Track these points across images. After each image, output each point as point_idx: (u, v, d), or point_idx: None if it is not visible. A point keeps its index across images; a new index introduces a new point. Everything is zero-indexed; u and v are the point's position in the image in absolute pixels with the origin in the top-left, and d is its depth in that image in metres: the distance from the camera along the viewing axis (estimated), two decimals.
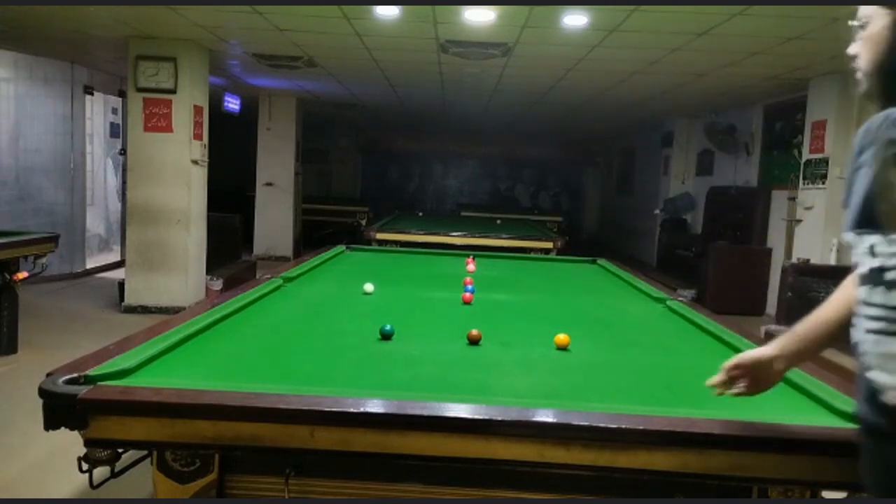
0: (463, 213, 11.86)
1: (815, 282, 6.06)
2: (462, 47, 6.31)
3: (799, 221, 7.14)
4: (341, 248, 4.77)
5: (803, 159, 7.12)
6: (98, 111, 9.61)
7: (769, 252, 8.14)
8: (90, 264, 8.91)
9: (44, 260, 5.10)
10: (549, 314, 2.95)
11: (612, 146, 15.65)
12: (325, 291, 3.22)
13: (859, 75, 1.46)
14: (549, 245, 6.56)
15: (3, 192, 8.08)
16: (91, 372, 1.66)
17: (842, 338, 1.46)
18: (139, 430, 1.54)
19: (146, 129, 6.74)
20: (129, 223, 6.93)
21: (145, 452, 1.74)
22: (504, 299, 3.33)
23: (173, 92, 6.69)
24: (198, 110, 6.93)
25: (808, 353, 1.56)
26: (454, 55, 6.64)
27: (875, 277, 1.29)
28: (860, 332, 1.34)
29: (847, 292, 1.47)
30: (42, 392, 1.55)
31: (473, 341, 2.26)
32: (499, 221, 9.10)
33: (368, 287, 3.13)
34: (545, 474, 1.59)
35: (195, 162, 6.92)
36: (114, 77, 9.28)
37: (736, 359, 1.55)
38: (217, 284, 7.14)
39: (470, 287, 3.17)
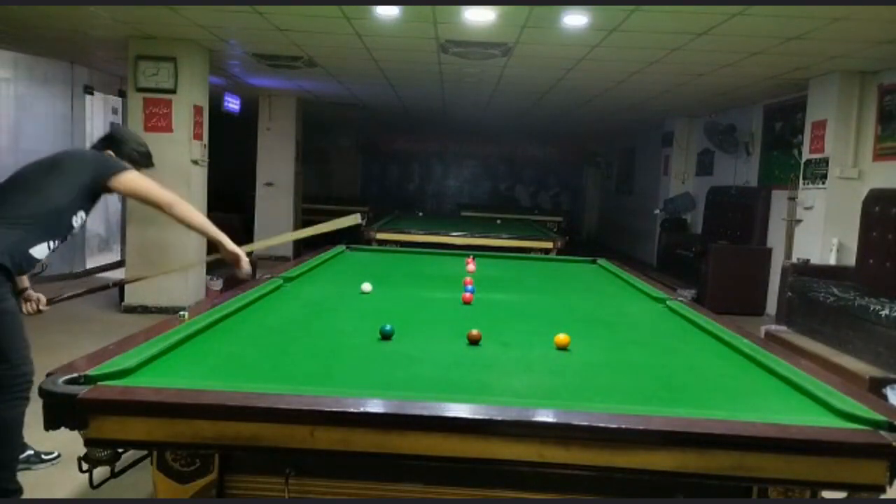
0: (463, 213, 11.85)
1: (815, 282, 6.06)
2: (462, 47, 6.31)
3: (799, 221, 7.14)
4: (341, 247, 4.77)
5: (803, 159, 7.12)
6: (98, 111, 9.61)
7: (769, 252, 8.14)
8: (90, 264, 8.90)
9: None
10: (549, 314, 2.95)
11: (612, 146, 15.65)
12: (325, 291, 3.22)
13: None
14: (549, 245, 6.56)
15: None
16: (91, 372, 1.66)
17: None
18: (139, 430, 1.54)
19: (146, 129, 6.73)
20: (129, 223, 6.94)
21: (145, 452, 1.74)
22: (504, 299, 3.33)
23: (173, 92, 6.69)
24: (198, 110, 6.93)
25: None
26: (454, 55, 6.64)
27: None
28: None
29: None
30: (42, 392, 1.56)
31: (473, 341, 2.26)
32: (499, 221, 9.10)
33: (366, 287, 3.13)
34: (545, 474, 1.59)
35: (195, 162, 6.92)
36: (114, 77, 9.28)
37: None
38: (217, 284, 7.14)
39: (470, 287, 3.17)
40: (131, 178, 2.90)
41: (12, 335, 2.80)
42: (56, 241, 2.93)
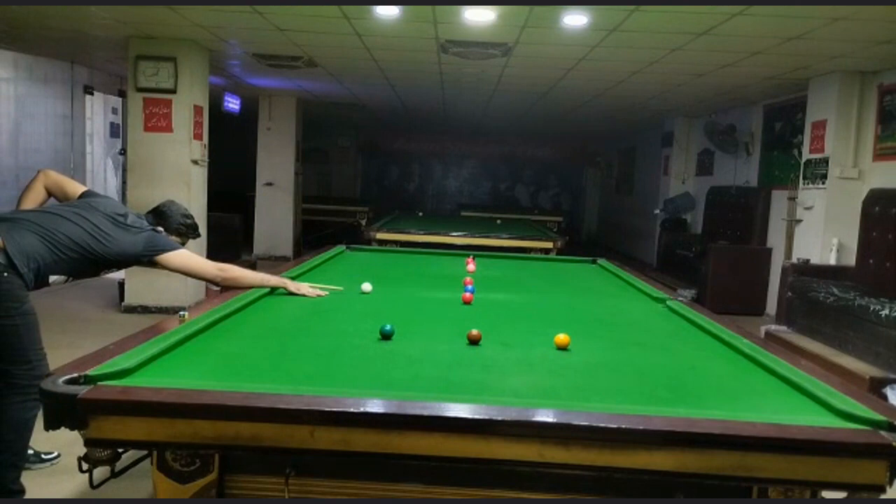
0: (463, 213, 11.87)
1: (815, 282, 6.06)
2: (462, 47, 6.31)
3: (799, 221, 7.14)
4: (341, 248, 4.77)
5: (803, 159, 7.12)
6: (98, 111, 9.62)
7: (769, 252, 8.14)
8: None
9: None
10: (549, 314, 2.95)
11: (612, 146, 15.66)
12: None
13: None
14: (549, 245, 6.55)
15: (3, 192, 8.08)
16: (91, 372, 1.66)
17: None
18: (139, 430, 1.54)
19: (146, 129, 6.74)
20: None
21: (145, 452, 1.74)
22: (504, 299, 3.33)
23: (173, 92, 6.69)
24: (198, 110, 6.93)
25: None
26: (454, 55, 6.64)
27: None
28: None
29: None
30: (42, 392, 1.56)
31: (473, 341, 2.26)
32: (499, 221, 9.10)
33: (366, 287, 3.13)
34: (545, 474, 1.59)
35: (195, 162, 6.92)
36: (114, 77, 9.28)
37: None
38: None
39: (470, 287, 3.17)
40: (179, 257, 3.04)
41: (32, 337, 2.87)
42: (73, 279, 3.03)
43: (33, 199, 3.12)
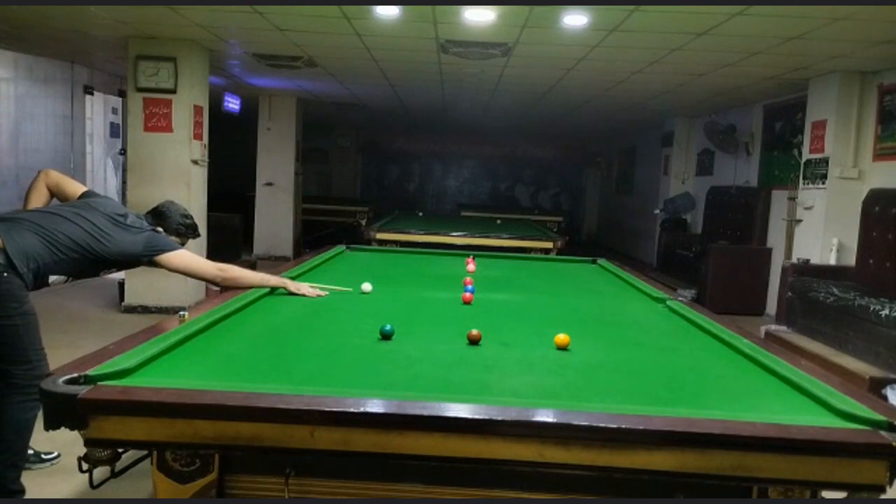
0: (463, 213, 11.86)
1: (815, 282, 6.06)
2: (462, 47, 6.31)
3: (799, 221, 7.14)
4: (341, 248, 4.77)
5: (803, 159, 7.12)
6: (98, 111, 9.62)
7: (769, 252, 8.14)
8: None
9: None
10: (549, 314, 2.95)
11: (612, 146, 15.66)
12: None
13: None
14: (549, 245, 6.56)
15: (3, 192, 8.08)
16: (91, 372, 1.66)
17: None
18: (139, 430, 1.54)
19: (146, 129, 6.74)
20: None
21: (145, 452, 1.74)
22: (504, 299, 3.33)
23: (173, 92, 6.69)
24: (198, 110, 6.93)
25: None
26: (454, 55, 6.64)
27: None
28: None
29: None
30: (42, 392, 1.56)
31: (473, 341, 2.26)
32: (499, 221, 9.10)
33: (366, 287, 3.13)
34: (545, 474, 1.59)
35: (195, 162, 6.92)
36: (114, 77, 9.28)
37: None
38: None
39: (470, 287, 3.17)
40: (179, 258, 3.04)
41: (32, 337, 2.87)
42: (73, 280, 3.03)
43: (37, 199, 3.14)
